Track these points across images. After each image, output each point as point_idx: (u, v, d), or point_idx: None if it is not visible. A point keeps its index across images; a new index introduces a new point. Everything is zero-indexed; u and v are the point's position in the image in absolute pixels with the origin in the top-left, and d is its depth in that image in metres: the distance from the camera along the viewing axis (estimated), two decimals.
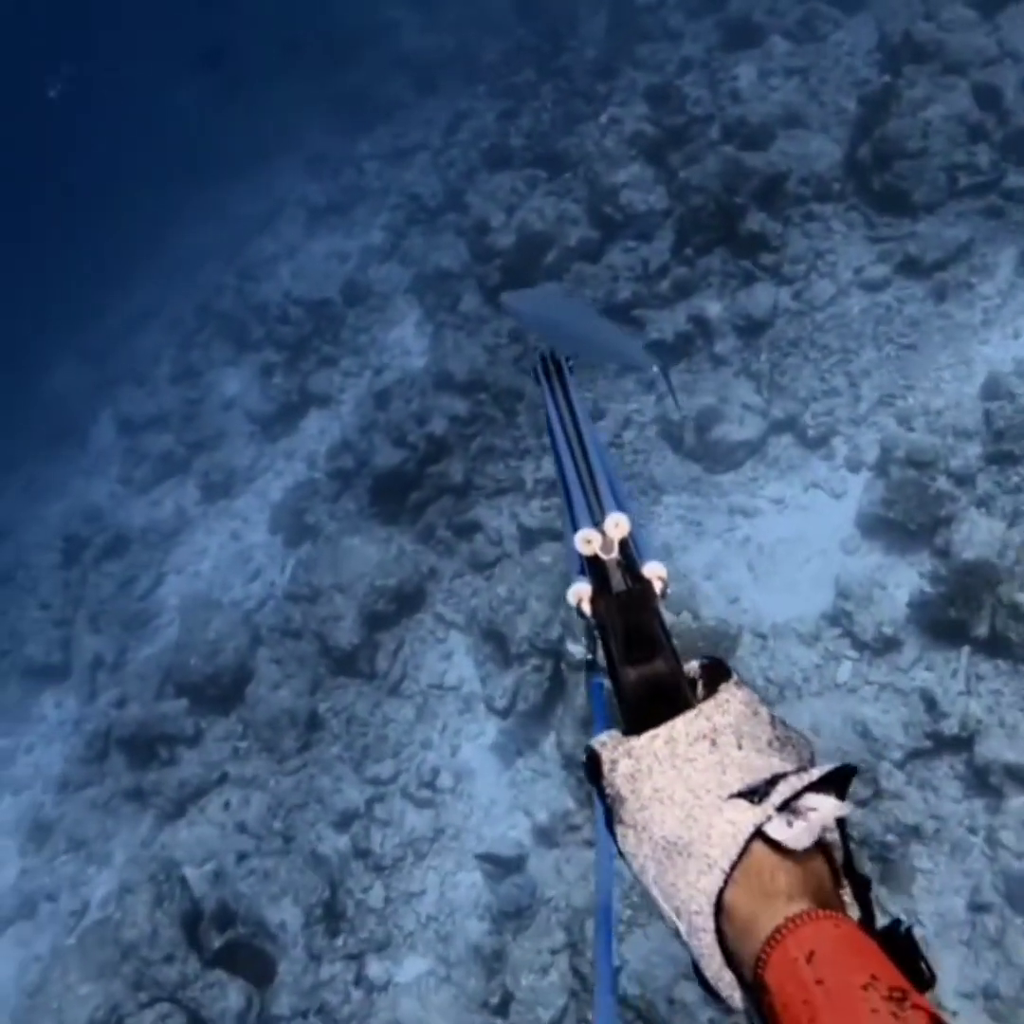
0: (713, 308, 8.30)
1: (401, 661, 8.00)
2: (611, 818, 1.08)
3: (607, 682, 1.20)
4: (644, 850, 1.03)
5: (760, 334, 8.13)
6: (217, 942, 6.63)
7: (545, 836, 6.54)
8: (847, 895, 0.98)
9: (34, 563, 12.49)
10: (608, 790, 1.07)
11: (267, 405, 11.90)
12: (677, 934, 1.00)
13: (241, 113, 19.15)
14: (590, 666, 1.42)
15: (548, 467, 8.12)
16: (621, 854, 1.08)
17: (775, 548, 7.15)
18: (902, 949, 0.89)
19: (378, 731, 7.74)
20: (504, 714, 7.14)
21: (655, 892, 1.01)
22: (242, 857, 7.44)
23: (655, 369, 5.76)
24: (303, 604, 8.39)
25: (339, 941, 6.71)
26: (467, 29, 15.84)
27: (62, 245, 22.35)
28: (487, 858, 6.57)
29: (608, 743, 1.10)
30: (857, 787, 5.30)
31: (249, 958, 6.54)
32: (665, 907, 1.00)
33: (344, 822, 7.27)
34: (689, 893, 0.97)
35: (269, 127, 18.00)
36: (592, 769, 1.10)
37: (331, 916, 6.78)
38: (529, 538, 7.88)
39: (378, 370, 11.16)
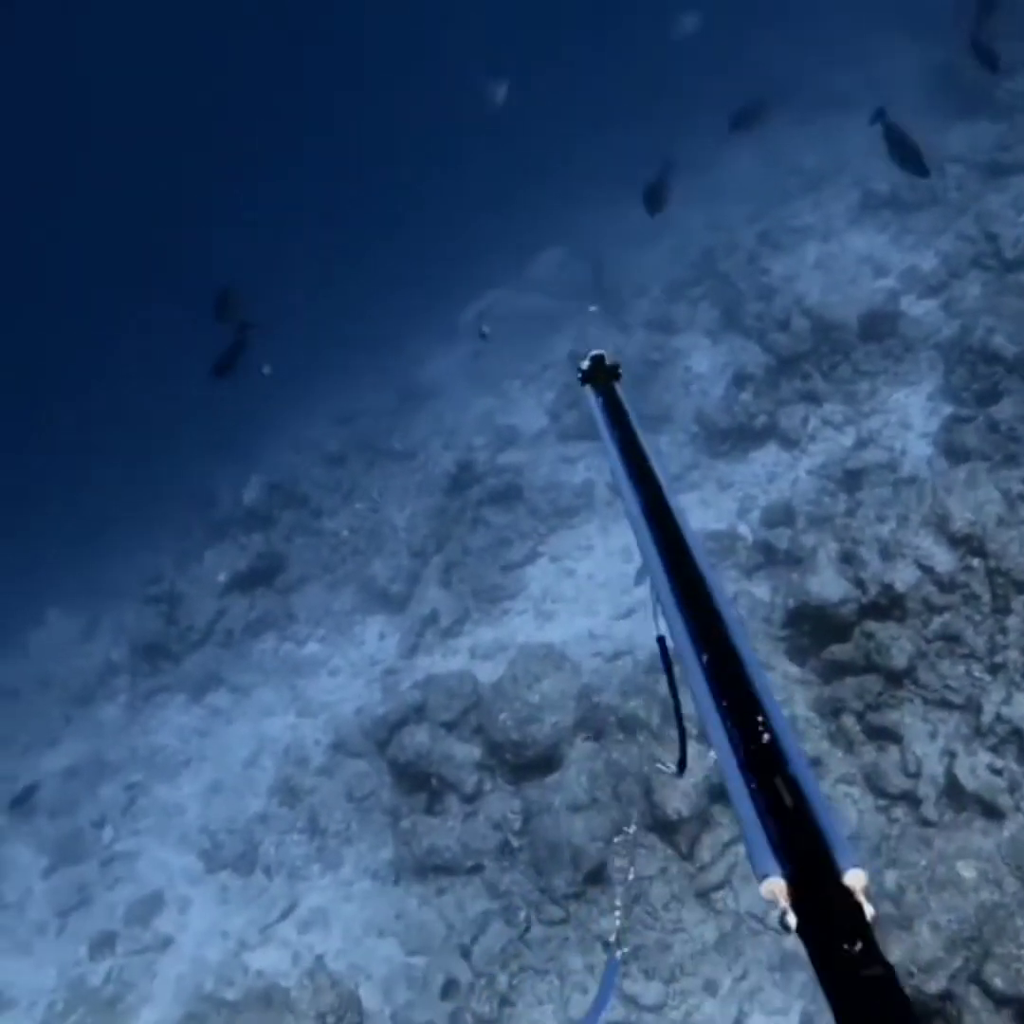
0: None
1: (727, 862, 6.13)
2: None
3: None
4: None
5: None
6: None
7: None
8: None
9: (424, 472, 11.76)
10: None
11: (725, 417, 9.97)
12: None
13: None
14: None
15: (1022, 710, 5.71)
16: None
17: None
18: None
19: (662, 935, 6.00)
20: None
21: None
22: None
23: None
24: (645, 731, 6.64)
25: None
26: None
27: None
28: None
29: None
30: None
31: None
32: None
33: None
34: None
35: None
36: None
37: None
38: (956, 795, 5.56)
39: (863, 439, 8.84)
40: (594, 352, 2.31)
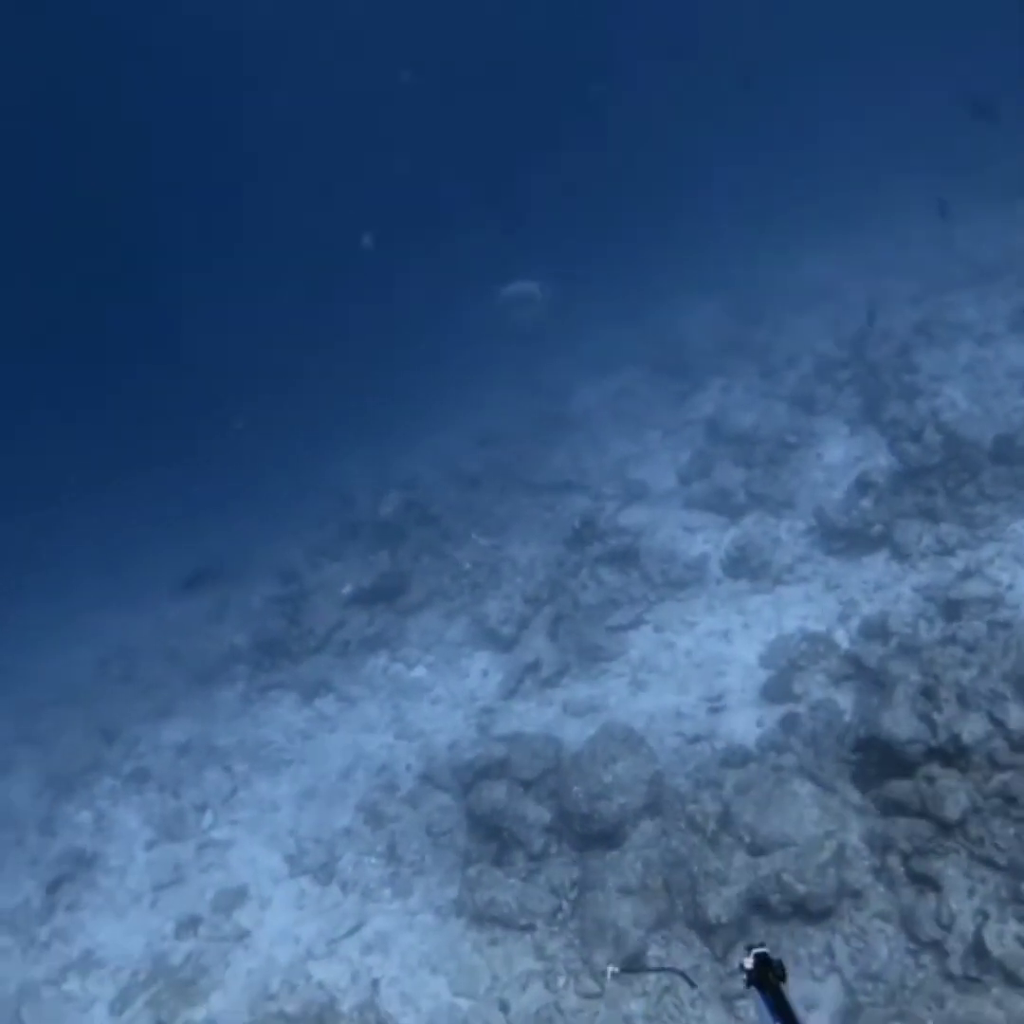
0: None
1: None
2: None
3: None
4: None
5: None
6: None
7: None
8: None
9: (553, 514, 12.36)
10: None
11: (843, 518, 10.25)
12: None
13: None
14: None
15: None
16: None
17: None
18: None
19: None
20: None
21: None
22: None
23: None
24: (699, 835, 7.10)
25: None
26: None
27: None
28: None
29: None
30: None
31: None
32: None
33: None
34: None
35: None
36: None
37: None
38: (981, 957, 5.84)
39: (971, 567, 9.01)
40: (757, 949, 2.27)
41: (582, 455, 15.37)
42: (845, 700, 8.34)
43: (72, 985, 9.00)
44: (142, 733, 12.76)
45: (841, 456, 11.92)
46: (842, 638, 9.15)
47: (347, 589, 12.21)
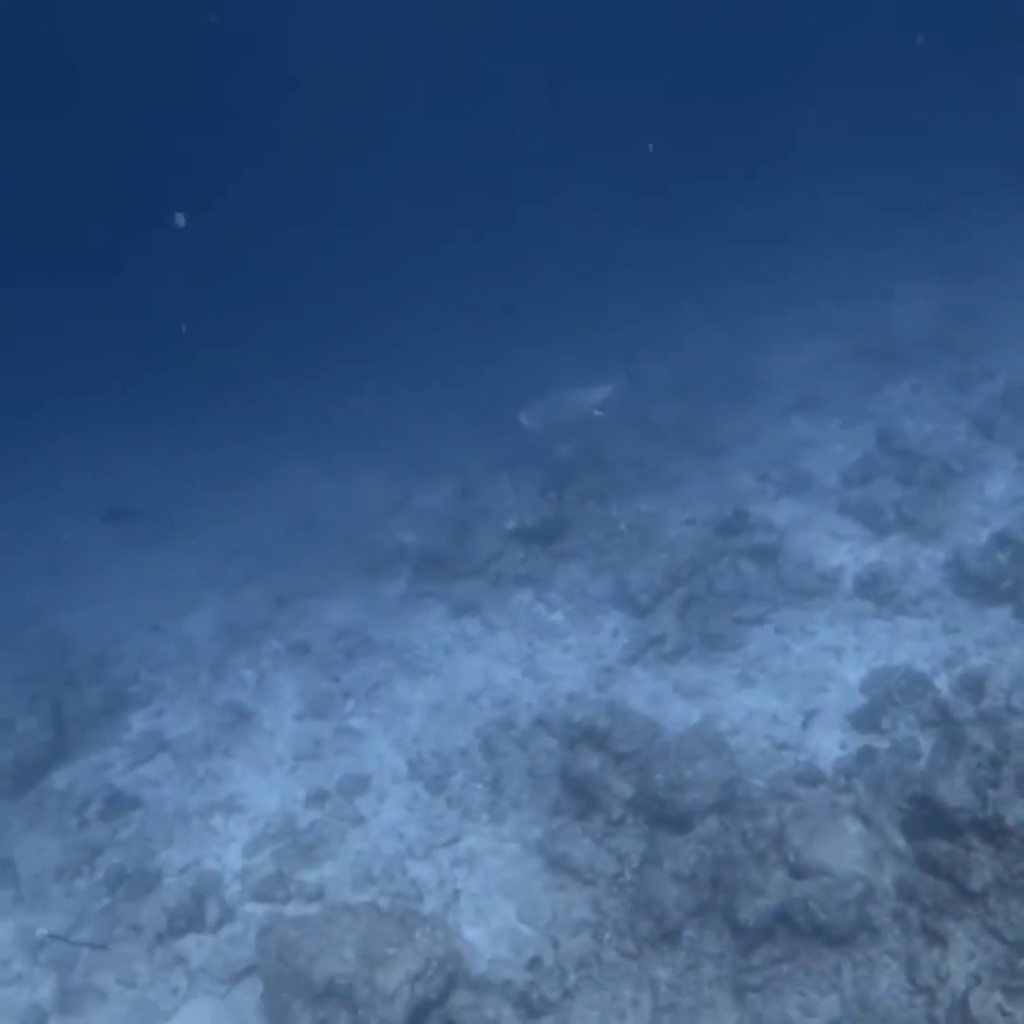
0: None
1: (768, 973, 7.77)
2: None
3: None
4: None
5: None
6: None
7: None
8: None
9: (718, 483, 13.34)
10: None
11: (977, 562, 10.87)
12: None
13: None
14: None
15: None
16: None
17: None
18: None
19: (696, 1004, 7.76)
20: None
21: None
22: None
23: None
24: (751, 846, 8.28)
25: None
26: None
27: None
28: None
29: None
30: None
31: None
32: None
33: None
34: None
35: None
36: None
37: None
38: (964, 1014, 6.91)
39: None
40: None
41: (762, 426, 16.16)
42: (926, 745, 9.12)
43: (216, 821, 10.90)
44: (310, 607, 14.62)
45: (1002, 492, 12.34)
46: (942, 684, 9.86)
47: (511, 524, 13.59)
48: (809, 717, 10.13)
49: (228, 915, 9.56)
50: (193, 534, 18.66)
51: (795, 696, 10.50)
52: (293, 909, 9.36)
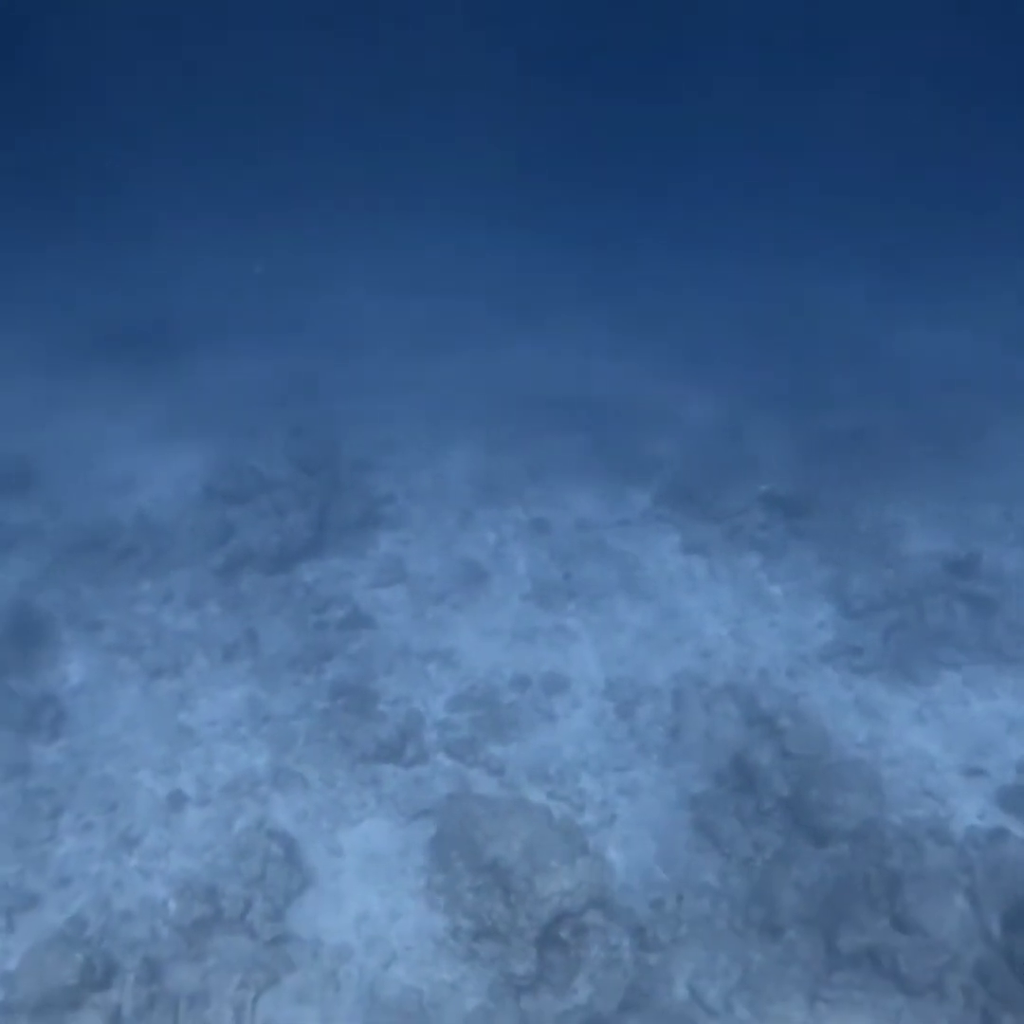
0: None
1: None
2: None
3: None
4: None
5: None
6: None
7: None
8: None
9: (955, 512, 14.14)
10: None
11: None
12: None
13: None
14: None
15: None
16: None
17: None
18: None
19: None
20: None
21: None
22: None
23: None
24: (869, 885, 9.72)
25: None
26: None
27: None
28: None
29: None
30: None
31: None
32: None
33: None
34: None
35: None
36: None
37: None
38: None
39: None
40: None
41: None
42: (1018, 829, 10.23)
43: (431, 668, 12.89)
44: (558, 490, 16.31)
45: None
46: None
47: (764, 488, 14.82)
48: (962, 777, 11.29)
49: (421, 758, 11.48)
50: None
51: (958, 750, 11.53)
52: (476, 775, 11.28)
